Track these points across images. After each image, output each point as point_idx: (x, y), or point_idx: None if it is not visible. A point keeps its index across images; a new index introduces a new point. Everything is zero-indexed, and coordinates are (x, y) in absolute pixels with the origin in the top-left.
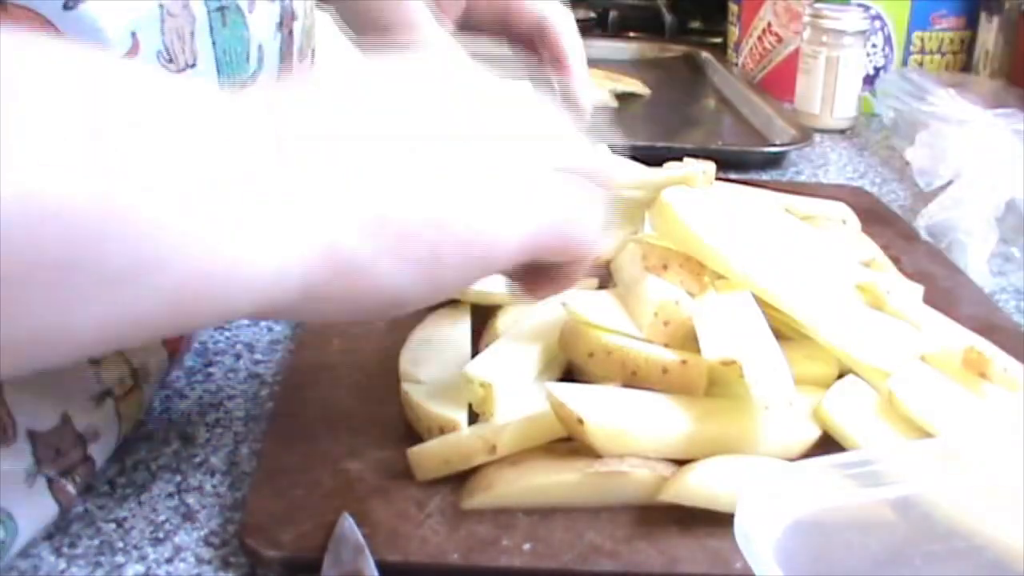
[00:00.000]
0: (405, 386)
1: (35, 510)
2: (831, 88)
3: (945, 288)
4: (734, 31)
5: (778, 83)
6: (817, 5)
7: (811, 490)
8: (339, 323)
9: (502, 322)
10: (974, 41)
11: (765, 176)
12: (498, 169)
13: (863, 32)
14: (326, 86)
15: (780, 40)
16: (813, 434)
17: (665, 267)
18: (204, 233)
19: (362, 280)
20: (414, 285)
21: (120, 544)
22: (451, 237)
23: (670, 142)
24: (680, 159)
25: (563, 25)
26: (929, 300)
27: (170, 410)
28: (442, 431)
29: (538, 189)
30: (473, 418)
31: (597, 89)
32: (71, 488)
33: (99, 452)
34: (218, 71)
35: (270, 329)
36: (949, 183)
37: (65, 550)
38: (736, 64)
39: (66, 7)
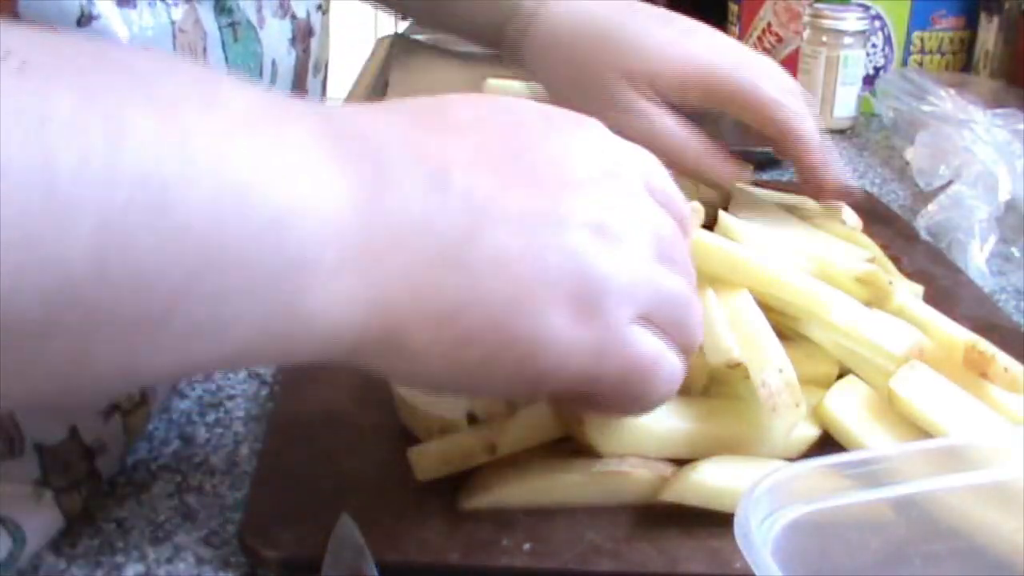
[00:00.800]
0: (400, 390)
1: (42, 522)
2: (831, 88)
3: (945, 288)
4: (734, 31)
5: None
6: (817, 5)
7: (811, 490)
8: None
9: None
10: (974, 41)
11: (765, 176)
12: (581, 296)
13: (863, 32)
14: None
15: (780, 40)
16: (813, 434)
17: None
18: (281, 300)
19: (406, 363)
20: (452, 382)
21: (120, 544)
22: (508, 352)
23: None
24: None
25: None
26: (929, 300)
27: (170, 410)
28: (441, 432)
29: (622, 339)
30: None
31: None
32: (78, 502)
33: (105, 465)
34: None
35: None
36: (949, 183)
37: (65, 550)
38: None
39: (79, 23)
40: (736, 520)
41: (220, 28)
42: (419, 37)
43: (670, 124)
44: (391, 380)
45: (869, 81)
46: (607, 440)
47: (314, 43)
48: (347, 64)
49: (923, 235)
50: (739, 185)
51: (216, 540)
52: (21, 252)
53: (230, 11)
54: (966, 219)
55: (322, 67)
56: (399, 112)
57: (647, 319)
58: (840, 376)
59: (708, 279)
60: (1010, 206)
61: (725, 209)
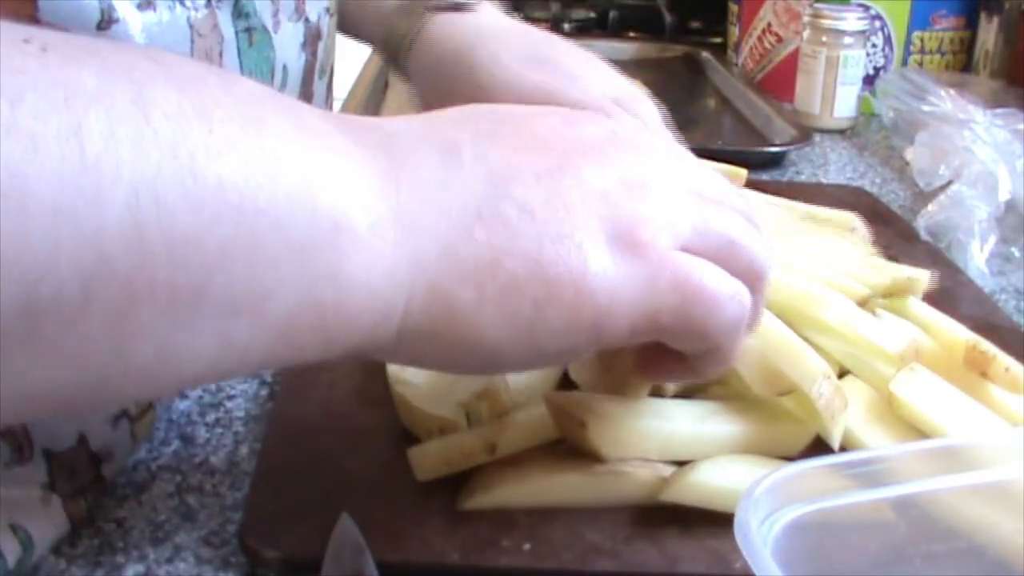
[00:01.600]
0: (399, 390)
1: (49, 527)
2: (831, 88)
3: (945, 288)
4: (734, 31)
5: (778, 83)
6: (817, 5)
7: (811, 490)
8: None
9: None
10: (974, 41)
11: (765, 176)
12: (622, 229)
13: (863, 32)
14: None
15: (780, 40)
16: (813, 434)
17: None
18: (320, 264)
19: (461, 327)
20: (513, 343)
21: (120, 544)
22: (556, 295)
23: None
24: None
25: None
26: (929, 300)
27: (170, 410)
28: (441, 432)
29: (670, 263)
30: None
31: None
32: (83, 507)
33: (111, 471)
34: None
35: None
36: (949, 183)
37: (65, 550)
38: (736, 64)
39: (99, 27)
40: (736, 520)
41: (236, 33)
42: None
43: None
44: (460, 366)
45: (869, 81)
46: (609, 443)
47: (321, 47)
48: (347, 64)
49: (923, 235)
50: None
51: (216, 540)
52: (56, 225)
53: (247, 15)
54: (966, 219)
55: (327, 70)
56: (392, 119)
57: (694, 251)
58: (840, 377)
59: None
60: (1010, 206)
61: None
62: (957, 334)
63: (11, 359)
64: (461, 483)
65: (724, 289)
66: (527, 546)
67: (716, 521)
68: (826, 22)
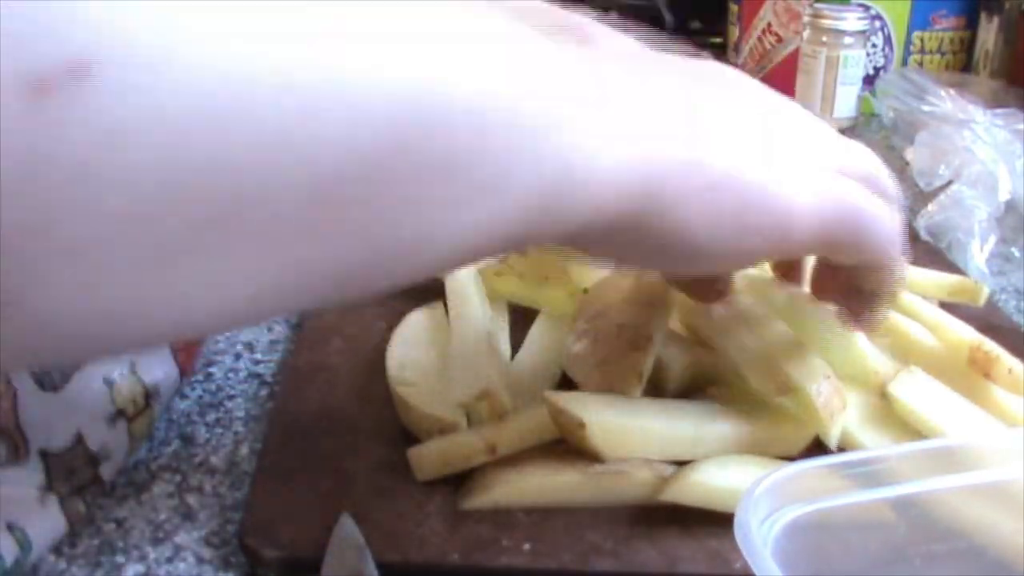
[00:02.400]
0: (399, 390)
1: (47, 528)
2: (831, 88)
3: None
4: (734, 31)
5: (778, 83)
6: (817, 5)
7: (811, 490)
8: (344, 324)
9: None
10: (974, 41)
11: None
12: (792, 141)
13: (863, 32)
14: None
15: (780, 40)
16: (812, 435)
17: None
18: (566, 135)
19: (669, 219)
20: (716, 237)
21: (120, 544)
22: (751, 194)
23: None
24: None
25: None
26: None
27: (170, 410)
28: (442, 432)
29: (830, 175)
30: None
31: None
32: (81, 507)
33: (109, 472)
34: None
35: (270, 329)
36: (949, 183)
37: (65, 550)
38: (736, 64)
39: None
40: (736, 520)
41: None
42: None
43: None
44: (666, 261)
45: (869, 81)
46: (609, 443)
47: None
48: None
49: (923, 235)
50: None
51: (216, 540)
52: (343, 100)
53: None
54: (966, 219)
55: None
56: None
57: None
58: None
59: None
60: (1010, 206)
61: None
62: (962, 334)
63: (296, 240)
64: (461, 483)
65: (881, 204)
66: (527, 546)
67: (716, 521)
68: (826, 22)
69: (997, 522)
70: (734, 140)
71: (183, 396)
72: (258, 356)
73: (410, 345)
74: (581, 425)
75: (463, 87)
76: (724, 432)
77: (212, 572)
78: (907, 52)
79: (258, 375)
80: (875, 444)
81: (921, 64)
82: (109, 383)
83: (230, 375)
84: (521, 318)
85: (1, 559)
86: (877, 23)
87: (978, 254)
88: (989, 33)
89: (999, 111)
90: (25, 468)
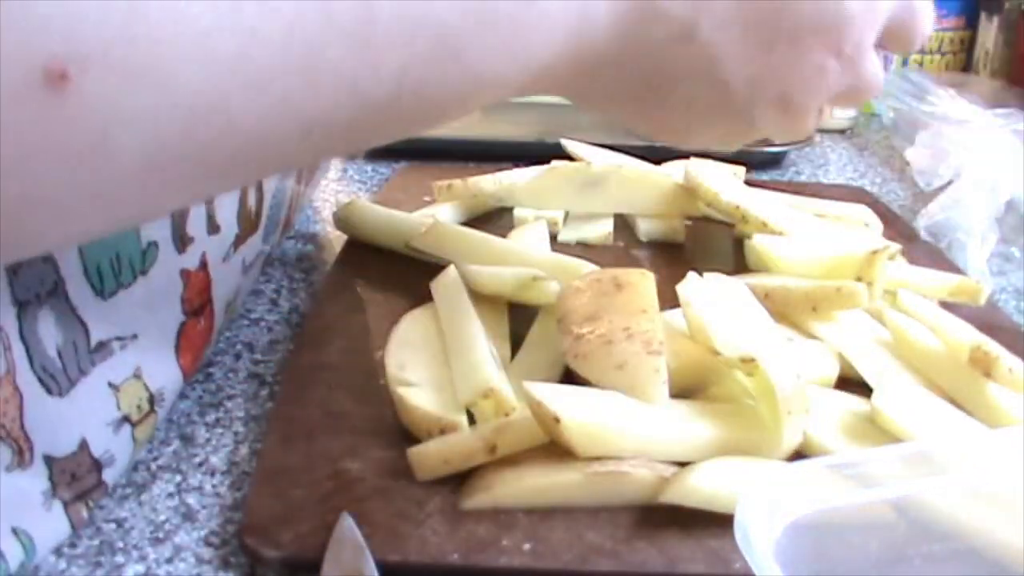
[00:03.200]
0: (399, 390)
1: (51, 532)
2: None
3: None
4: None
5: None
6: None
7: (811, 490)
8: (343, 318)
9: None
10: (974, 41)
11: (765, 176)
12: None
13: None
14: None
15: None
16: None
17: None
18: None
19: (656, 51)
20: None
21: (120, 544)
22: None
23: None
24: (686, 157)
25: None
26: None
27: (170, 410)
28: (442, 432)
29: None
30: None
31: None
32: (84, 512)
33: (112, 476)
34: None
35: (270, 329)
36: (949, 183)
37: (65, 550)
38: None
39: None
40: (736, 521)
41: None
42: None
43: None
44: (640, 92)
45: None
46: (584, 439)
47: None
48: None
49: (923, 235)
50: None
51: (216, 540)
52: None
53: None
54: (966, 219)
55: None
56: None
57: None
58: (840, 377)
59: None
60: (1010, 206)
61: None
62: (962, 334)
63: (298, 86)
64: (461, 483)
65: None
66: (527, 546)
67: (716, 521)
68: None
69: (997, 523)
70: None
71: (183, 396)
72: (258, 356)
73: (410, 345)
74: (556, 420)
75: None
76: (703, 434)
77: (212, 572)
78: None
79: (258, 375)
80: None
81: (921, 64)
82: (114, 388)
83: (230, 375)
84: (521, 318)
85: (5, 563)
86: None
87: (978, 254)
88: (989, 33)
89: (999, 111)
90: (29, 473)
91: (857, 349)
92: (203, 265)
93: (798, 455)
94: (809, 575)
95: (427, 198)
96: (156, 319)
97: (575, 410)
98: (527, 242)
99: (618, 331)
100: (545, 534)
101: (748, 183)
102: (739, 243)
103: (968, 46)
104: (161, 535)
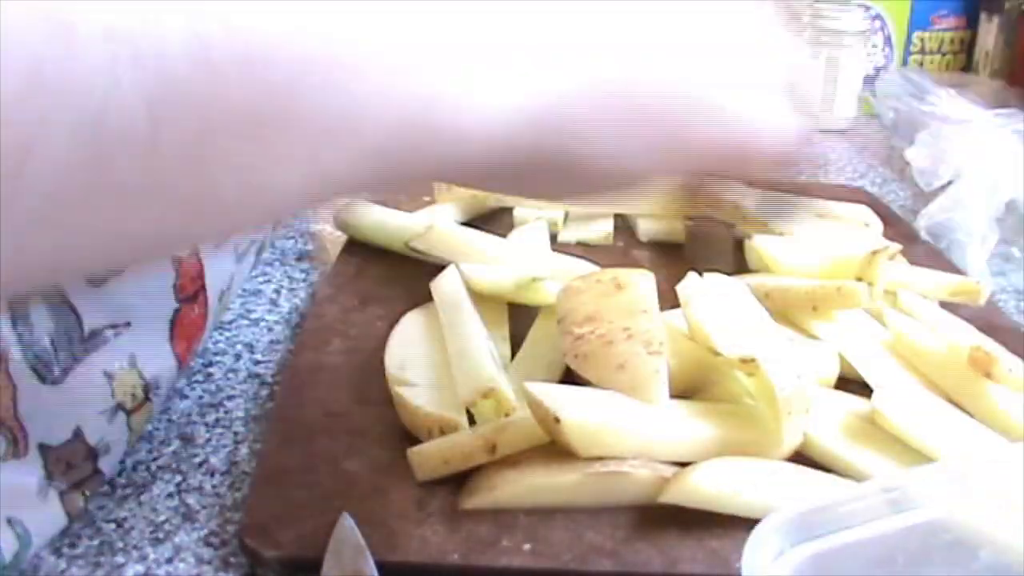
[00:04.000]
0: (399, 390)
1: (46, 521)
2: (831, 88)
3: None
4: None
5: None
6: (817, 5)
7: (819, 526)
8: (354, 323)
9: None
10: (974, 41)
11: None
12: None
13: (863, 32)
14: None
15: None
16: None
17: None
18: (411, 82)
19: (567, 144)
20: (621, 152)
21: (120, 544)
22: (645, 106)
23: None
24: None
25: None
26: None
27: (170, 410)
28: (442, 432)
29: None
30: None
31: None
32: (80, 501)
33: (108, 465)
34: None
35: (270, 329)
36: (949, 183)
37: (65, 550)
38: None
39: None
40: (744, 561)
41: None
42: None
43: None
44: (583, 187)
45: (869, 81)
46: (583, 439)
47: None
48: None
49: (923, 235)
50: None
51: (216, 540)
52: (111, 43)
53: None
54: (966, 219)
55: None
56: None
57: None
58: (840, 377)
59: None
60: (1010, 206)
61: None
62: (962, 335)
63: (91, 202)
64: (461, 483)
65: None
66: (527, 546)
67: (716, 521)
68: (826, 22)
69: (997, 524)
70: (626, 52)
71: (183, 396)
72: (258, 356)
73: (410, 345)
74: (556, 420)
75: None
76: (702, 434)
77: (212, 572)
78: (907, 52)
79: (258, 375)
80: (858, 459)
81: (921, 64)
82: (109, 376)
83: (230, 375)
84: (521, 318)
85: (0, 553)
86: (877, 23)
87: (978, 254)
88: (989, 33)
89: (999, 111)
90: (24, 462)
91: (857, 349)
92: (194, 251)
93: (798, 455)
94: (809, 575)
95: (427, 198)
96: (149, 306)
97: (575, 410)
98: (527, 242)
99: (618, 331)
100: (545, 534)
101: (748, 183)
102: (739, 243)
103: (968, 46)
104: (161, 535)
